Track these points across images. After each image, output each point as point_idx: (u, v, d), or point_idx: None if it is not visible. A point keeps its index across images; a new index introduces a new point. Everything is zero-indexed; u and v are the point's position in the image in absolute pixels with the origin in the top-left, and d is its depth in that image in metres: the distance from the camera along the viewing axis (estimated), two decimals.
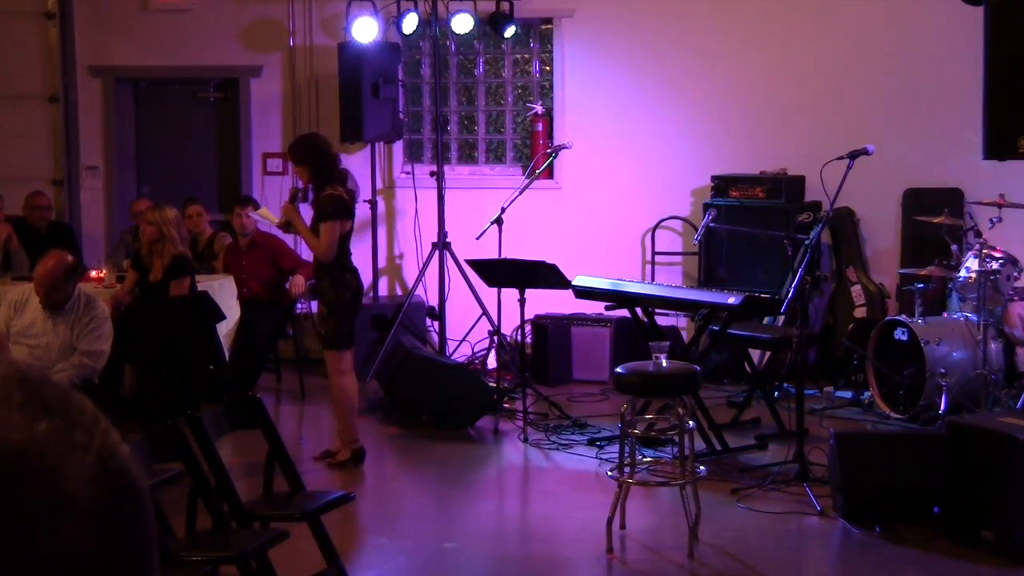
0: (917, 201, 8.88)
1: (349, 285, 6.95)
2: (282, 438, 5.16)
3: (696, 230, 8.78)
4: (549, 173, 9.70)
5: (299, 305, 9.58)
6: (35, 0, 10.61)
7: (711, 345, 7.72)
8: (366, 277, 8.57)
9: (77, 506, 0.70)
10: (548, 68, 10.06)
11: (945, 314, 7.99)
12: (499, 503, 7.00)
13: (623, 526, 5.85)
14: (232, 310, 8.39)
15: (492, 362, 9.10)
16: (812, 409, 7.78)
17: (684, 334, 9.15)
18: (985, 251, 7.45)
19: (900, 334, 7.75)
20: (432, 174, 9.49)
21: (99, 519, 0.71)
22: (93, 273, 8.37)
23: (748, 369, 8.20)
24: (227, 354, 8.02)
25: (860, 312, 8.90)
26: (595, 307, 8.48)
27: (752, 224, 8.62)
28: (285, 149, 10.33)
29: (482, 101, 10.32)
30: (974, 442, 5.57)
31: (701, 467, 6.04)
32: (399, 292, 10.17)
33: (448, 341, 9.43)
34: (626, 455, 5.88)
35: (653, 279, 9.45)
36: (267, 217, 7.97)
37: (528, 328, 8.79)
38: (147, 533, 0.75)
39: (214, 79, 10.68)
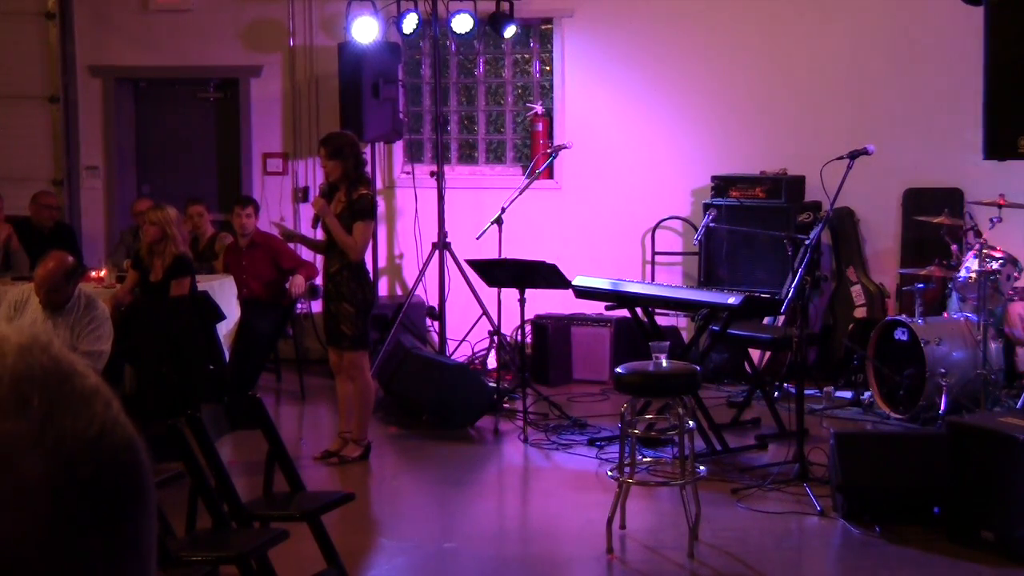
0: (917, 201, 8.88)
1: (372, 285, 7.05)
2: (282, 438, 5.16)
3: (696, 230, 8.78)
4: (549, 173, 9.70)
5: (299, 305, 9.58)
6: (35, 0, 10.61)
7: (711, 345, 7.72)
8: None
9: (22, 501, 0.73)
10: (548, 68, 10.06)
11: (945, 314, 7.99)
12: (499, 503, 7.00)
13: (623, 526, 5.86)
14: (232, 310, 8.38)
15: (492, 362, 9.10)
16: (812, 409, 7.78)
17: (684, 334, 9.15)
18: (985, 251, 7.45)
19: (900, 334, 7.74)
20: (432, 174, 9.49)
21: (50, 521, 0.73)
22: (93, 273, 8.37)
23: (748, 369, 8.20)
24: (227, 354, 8.02)
25: (860, 312, 8.90)
26: (595, 307, 8.48)
27: (752, 224, 8.62)
28: (283, 149, 10.38)
29: (482, 101, 10.32)
30: (974, 442, 5.57)
31: (701, 467, 6.04)
32: (399, 292, 10.17)
33: (448, 341, 9.43)
34: (626, 455, 5.88)
35: (653, 279, 9.45)
36: (285, 231, 7.98)
37: (528, 328, 8.78)
38: (123, 541, 0.77)
39: (214, 79, 10.68)
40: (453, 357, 9.22)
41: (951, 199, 8.66)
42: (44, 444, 0.74)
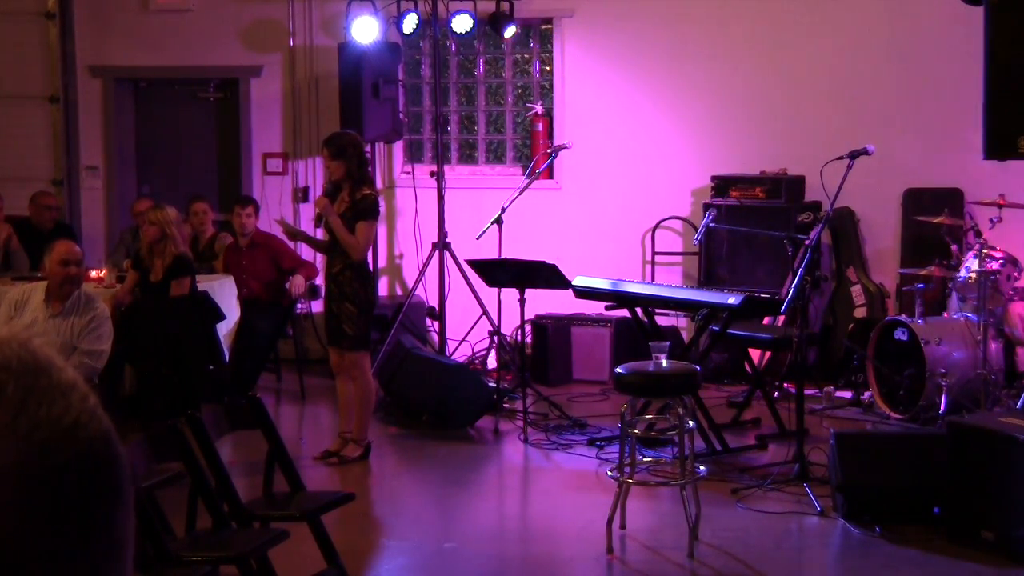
0: (917, 201, 8.88)
1: (374, 285, 7.05)
2: (282, 438, 5.16)
3: (696, 230, 8.78)
4: (549, 173, 9.70)
5: (299, 305, 9.58)
6: (35, 0, 10.61)
7: (711, 345, 7.72)
8: None
9: None
10: (548, 68, 10.06)
11: (945, 314, 7.99)
12: (499, 503, 7.00)
13: (623, 526, 5.86)
14: (232, 310, 8.38)
15: (492, 362, 9.10)
16: (812, 409, 7.78)
17: (684, 334, 9.15)
18: (985, 251, 7.45)
19: (900, 334, 7.74)
20: (432, 174, 9.49)
21: (20, 506, 0.75)
22: (93, 273, 8.36)
23: (748, 369, 8.20)
24: (227, 354, 8.02)
25: (860, 312, 8.90)
26: (595, 307, 8.48)
27: (752, 224, 8.62)
28: (283, 149, 10.38)
29: (482, 101, 10.32)
30: (974, 442, 5.57)
31: (701, 467, 6.04)
32: (399, 292, 10.17)
33: (448, 341, 9.43)
34: (626, 455, 5.88)
35: (653, 279, 9.45)
36: (288, 228, 7.88)
37: (528, 328, 8.78)
38: (90, 529, 0.78)
39: (214, 79, 10.68)
40: (453, 357, 9.22)
41: (951, 199, 8.66)
42: (17, 431, 0.76)
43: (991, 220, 7.61)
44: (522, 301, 7.80)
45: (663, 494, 6.42)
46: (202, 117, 10.84)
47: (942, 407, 7.34)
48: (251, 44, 10.40)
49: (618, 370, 5.91)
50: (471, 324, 9.22)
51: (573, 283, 7.68)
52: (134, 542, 0.82)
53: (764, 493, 6.39)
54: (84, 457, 0.78)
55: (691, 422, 5.85)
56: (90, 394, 0.81)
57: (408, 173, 10.06)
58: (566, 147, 8.77)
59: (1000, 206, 7.58)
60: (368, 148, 9.83)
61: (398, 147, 10.26)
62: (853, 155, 6.50)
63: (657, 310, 7.73)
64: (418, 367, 8.13)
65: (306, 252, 9.12)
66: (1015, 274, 7.63)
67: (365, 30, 9.21)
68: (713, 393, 8.32)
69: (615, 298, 7.56)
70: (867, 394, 8.07)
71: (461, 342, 9.42)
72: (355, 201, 6.94)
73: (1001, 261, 7.56)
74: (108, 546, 0.79)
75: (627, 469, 5.88)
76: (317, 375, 9.13)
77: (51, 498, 0.76)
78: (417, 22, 9.30)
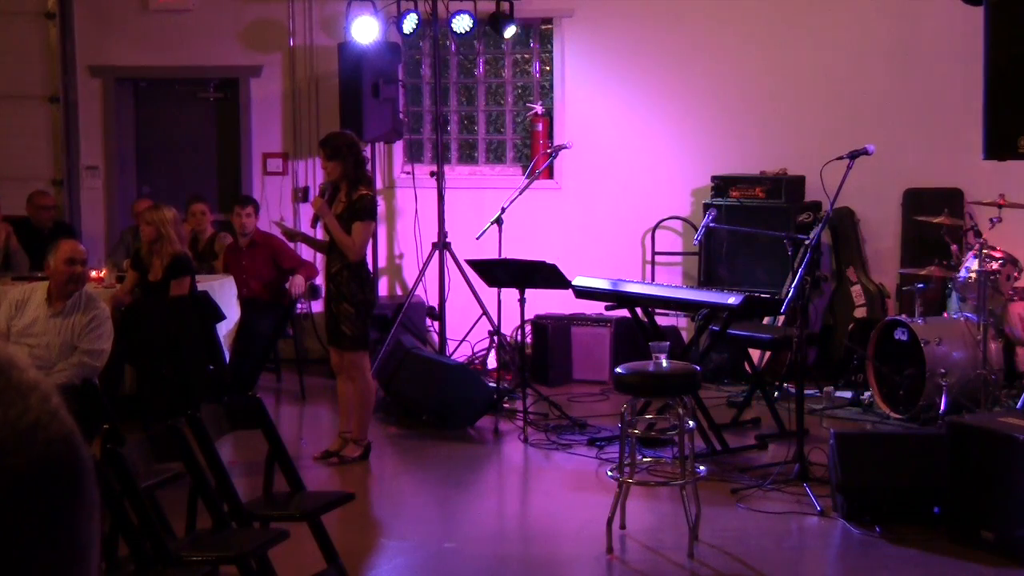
0: (917, 201, 8.88)
1: (373, 285, 7.04)
2: (282, 438, 5.16)
3: (696, 230, 8.78)
4: (549, 173, 9.70)
5: (299, 305, 9.58)
6: (35, 0, 10.61)
7: (711, 345, 7.72)
8: None
9: None
10: (548, 68, 10.06)
11: (945, 314, 7.99)
12: (499, 503, 7.00)
13: (623, 526, 5.86)
14: (232, 310, 8.38)
15: (492, 362, 9.10)
16: (812, 409, 7.78)
17: (684, 334, 9.15)
18: (985, 251, 7.45)
19: (900, 334, 7.74)
20: (432, 174, 9.49)
21: None
22: (93, 273, 8.35)
23: (748, 369, 8.20)
24: (227, 354, 8.02)
25: (860, 312, 8.90)
26: (595, 307, 8.48)
27: (752, 224, 8.62)
28: (283, 149, 10.38)
29: (482, 101, 10.32)
30: (974, 442, 5.57)
31: (701, 467, 6.04)
32: (399, 292, 10.17)
33: (448, 341, 9.43)
34: (626, 455, 5.88)
35: (653, 279, 9.45)
36: (287, 230, 7.86)
37: (528, 328, 8.78)
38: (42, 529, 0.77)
39: (214, 79, 10.69)
40: (453, 357, 9.22)
41: (951, 199, 8.66)
42: None
43: (991, 220, 7.61)
44: (522, 301, 7.80)
45: (663, 494, 6.42)
46: (202, 117, 10.84)
47: (942, 407, 7.34)
48: (251, 44, 10.40)
49: (618, 370, 5.91)
50: (471, 324, 9.22)
51: (573, 283, 7.68)
52: (99, 545, 0.81)
53: (764, 493, 6.39)
54: (43, 459, 0.76)
55: (691, 422, 5.85)
56: (52, 395, 0.79)
57: (408, 173, 10.06)
58: (566, 147, 8.77)
59: (1000, 206, 7.58)
60: (368, 148, 9.84)
61: (398, 147, 10.26)
62: (853, 155, 6.50)
63: (657, 310, 7.74)
64: (418, 367, 8.13)
65: (306, 252, 9.12)
66: (1015, 274, 7.63)
67: (365, 30, 9.21)
68: (713, 393, 8.32)
69: (615, 298, 7.56)
70: (867, 394, 8.07)
71: (461, 342, 9.42)
72: (352, 201, 6.95)
73: (1001, 261, 7.56)
74: (69, 550, 0.78)
75: (627, 469, 5.88)
76: (317, 375, 9.13)
77: (8, 502, 0.74)
78: (417, 22, 9.30)
